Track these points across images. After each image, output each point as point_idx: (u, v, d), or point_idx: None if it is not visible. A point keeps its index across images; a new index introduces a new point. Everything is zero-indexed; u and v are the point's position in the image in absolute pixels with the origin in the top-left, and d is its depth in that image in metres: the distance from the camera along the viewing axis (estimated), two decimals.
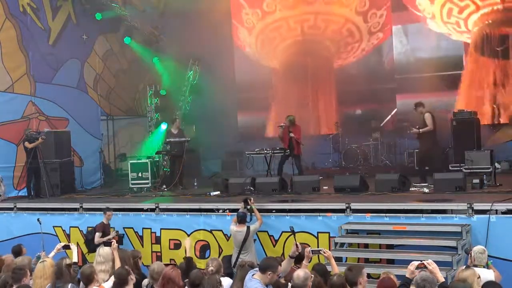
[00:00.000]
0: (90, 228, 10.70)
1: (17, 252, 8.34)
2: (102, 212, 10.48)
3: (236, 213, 9.62)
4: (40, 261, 6.69)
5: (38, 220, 10.02)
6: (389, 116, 16.53)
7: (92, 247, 10.14)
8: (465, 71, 15.82)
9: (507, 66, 15.33)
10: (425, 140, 12.11)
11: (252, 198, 9.88)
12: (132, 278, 6.24)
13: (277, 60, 18.22)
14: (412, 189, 10.94)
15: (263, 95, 18.09)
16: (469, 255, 6.62)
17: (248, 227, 9.34)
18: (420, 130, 11.95)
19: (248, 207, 9.68)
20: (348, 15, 17.25)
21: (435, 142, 12.45)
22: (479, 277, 5.80)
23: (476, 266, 6.32)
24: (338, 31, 17.41)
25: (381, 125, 16.48)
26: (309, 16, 17.80)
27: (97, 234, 10.02)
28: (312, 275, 5.79)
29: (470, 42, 15.79)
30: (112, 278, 6.50)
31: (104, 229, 10.20)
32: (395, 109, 16.45)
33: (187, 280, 6.34)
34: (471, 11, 15.68)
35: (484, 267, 6.42)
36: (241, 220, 9.40)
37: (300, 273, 5.67)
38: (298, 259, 6.80)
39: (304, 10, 17.84)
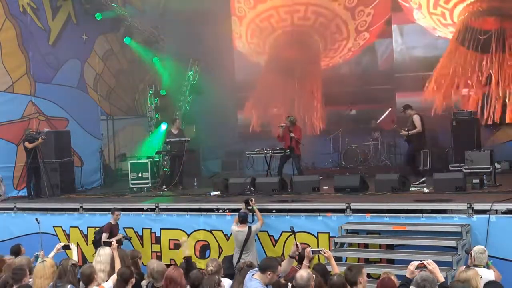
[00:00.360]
0: (97, 229, 10.63)
1: (16, 252, 8.34)
2: (110, 212, 10.45)
3: (236, 213, 9.62)
4: (40, 261, 6.68)
5: (36, 219, 10.01)
6: (384, 115, 16.46)
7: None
8: (442, 59, 15.81)
9: (487, 59, 15.23)
10: (414, 141, 12.13)
11: (253, 199, 9.87)
12: (132, 281, 6.26)
13: (266, 52, 18.20)
14: (412, 189, 10.95)
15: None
16: (469, 255, 6.62)
17: (250, 227, 9.34)
18: (409, 132, 11.97)
19: (250, 207, 9.68)
20: (337, 9, 17.31)
21: (424, 144, 12.51)
22: (481, 277, 5.81)
23: (476, 266, 6.32)
24: (327, 25, 17.44)
25: (378, 122, 16.41)
26: (299, 7, 17.81)
27: (104, 235, 9.96)
28: (314, 275, 5.80)
29: (454, 32, 15.74)
30: (112, 278, 6.50)
31: (112, 229, 10.16)
32: (389, 109, 16.39)
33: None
34: (457, 1, 15.65)
35: (484, 267, 6.43)
36: (243, 220, 9.39)
37: (303, 273, 5.68)
38: (300, 259, 6.80)
39: (295, 0, 17.86)
